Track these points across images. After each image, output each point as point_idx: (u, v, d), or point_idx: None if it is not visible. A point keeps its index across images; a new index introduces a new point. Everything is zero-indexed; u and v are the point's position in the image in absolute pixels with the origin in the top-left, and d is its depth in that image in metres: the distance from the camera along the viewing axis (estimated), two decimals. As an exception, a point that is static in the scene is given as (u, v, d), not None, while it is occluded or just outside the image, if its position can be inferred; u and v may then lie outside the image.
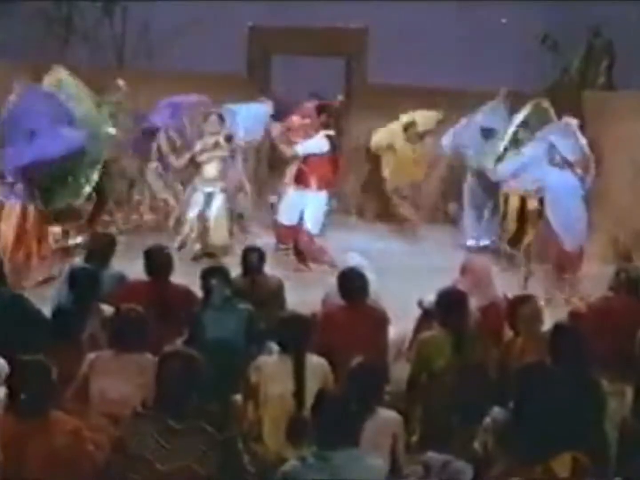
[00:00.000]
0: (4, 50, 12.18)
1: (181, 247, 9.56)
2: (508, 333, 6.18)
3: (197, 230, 9.71)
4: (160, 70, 13.23)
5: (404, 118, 11.93)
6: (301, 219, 9.74)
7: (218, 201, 9.74)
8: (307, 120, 10.11)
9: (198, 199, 9.77)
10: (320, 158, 9.79)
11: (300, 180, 9.79)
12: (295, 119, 10.50)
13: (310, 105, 10.52)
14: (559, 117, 10.30)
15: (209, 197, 9.74)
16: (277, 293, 6.85)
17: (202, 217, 9.71)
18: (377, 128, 12.20)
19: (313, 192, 9.79)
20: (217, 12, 13.45)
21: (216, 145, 9.74)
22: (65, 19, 14.46)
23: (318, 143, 9.78)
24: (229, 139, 9.82)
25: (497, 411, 4.52)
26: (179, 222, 9.99)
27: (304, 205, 9.75)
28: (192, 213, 9.76)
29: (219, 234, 9.66)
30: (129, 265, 7.03)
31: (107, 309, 5.83)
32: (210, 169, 9.77)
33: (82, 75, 10.98)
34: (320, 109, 10.14)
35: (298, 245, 9.77)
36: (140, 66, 13.96)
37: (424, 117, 11.92)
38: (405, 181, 11.99)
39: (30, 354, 4.29)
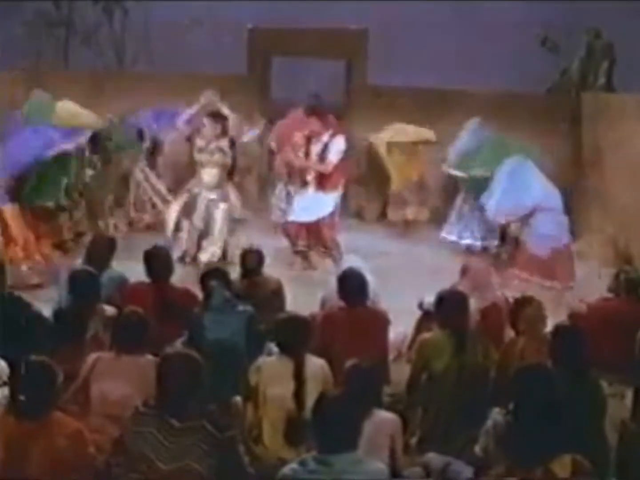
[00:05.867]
0: (4, 52, 12.20)
1: (183, 257, 9.00)
2: (508, 334, 6.20)
3: (196, 240, 9.11)
4: (160, 72, 13.24)
5: (386, 137, 11.99)
6: (322, 215, 9.70)
7: (220, 212, 9.19)
8: (308, 131, 10.06)
9: (197, 206, 9.15)
10: (343, 158, 9.76)
11: (326, 183, 9.65)
12: (297, 135, 10.48)
13: (300, 116, 10.52)
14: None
15: (209, 205, 9.17)
16: (276, 294, 6.86)
17: (202, 227, 9.15)
18: (377, 129, 12.19)
19: (338, 191, 9.80)
20: (217, 13, 13.47)
21: (218, 150, 9.15)
22: (65, 21, 14.49)
23: (340, 144, 9.68)
24: (232, 143, 9.31)
25: (497, 413, 4.52)
26: (178, 230, 9.25)
27: (327, 203, 9.68)
28: (194, 221, 9.15)
29: (215, 248, 9.10)
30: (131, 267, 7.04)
31: (110, 310, 5.84)
32: (209, 174, 9.16)
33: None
34: (312, 112, 10.08)
35: (317, 239, 9.76)
36: (141, 68, 13.99)
37: (403, 134, 11.96)
38: (407, 183, 11.99)
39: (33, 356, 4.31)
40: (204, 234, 9.17)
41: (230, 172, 9.42)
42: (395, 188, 12.03)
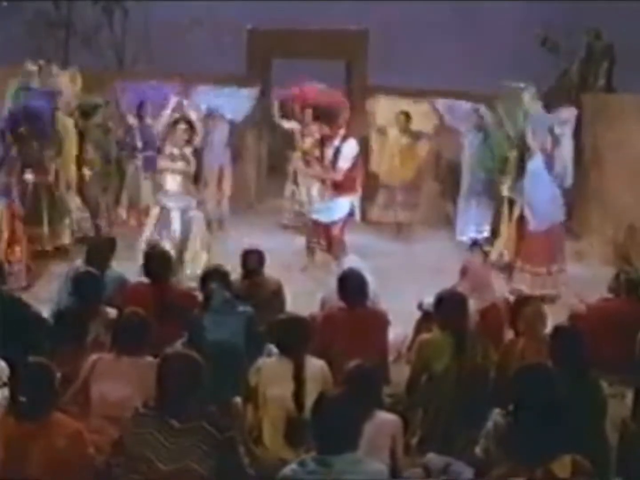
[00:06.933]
0: (4, 52, 12.21)
1: None
2: (508, 335, 6.20)
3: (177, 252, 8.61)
4: (160, 72, 13.24)
5: (400, 107, 11.95)
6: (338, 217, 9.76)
7: (196, 225, 8.86)
8: (319, 135, 10.05)
9: (172, 219, 8.77)
10: (356, 161, 9.74)
11: (341, 188, 9.63)
12: (307, 141, 10.49)
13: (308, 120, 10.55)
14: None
15: (183, 216, 8.79)
16: (276, 295, 6.86)
17: (177, 242, 8.72)
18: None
19: (356, 193, 9.85)
20: (217, 13, 13.47)
21: (181, 157, 8.81)
22: (65, 21, 14.51)
23: (351, 148, 9.67)
24: (196, 152, 8.92)
25: (497, 414, 4.51)
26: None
27: (343, 206, 9.71)
28: (172, 234, 8.73)
29: (197, 264, 8.67)
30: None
31: (112, 313, 5.83)
32: (172, 181, 8.81)
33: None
34: (317, 117, 10.11)
35: (329, 239, 9.82)
36: (141, 68, 13.99)
37: (419, 115, 11.91)
38: (395, 179, 11.93)
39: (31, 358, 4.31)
40: (184, 246, 8.80)
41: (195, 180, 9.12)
42: (380, 182, 11.97)
